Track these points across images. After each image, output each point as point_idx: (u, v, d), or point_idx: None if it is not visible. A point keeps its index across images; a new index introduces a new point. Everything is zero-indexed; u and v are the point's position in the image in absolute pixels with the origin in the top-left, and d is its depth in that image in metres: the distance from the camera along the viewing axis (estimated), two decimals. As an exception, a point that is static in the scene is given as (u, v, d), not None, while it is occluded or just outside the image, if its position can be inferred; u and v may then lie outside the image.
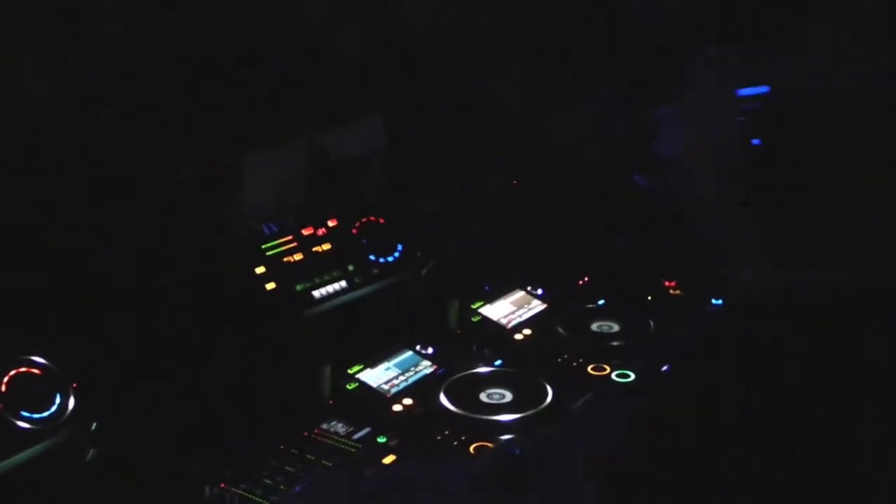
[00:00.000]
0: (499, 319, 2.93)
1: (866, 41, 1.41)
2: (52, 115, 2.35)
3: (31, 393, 2.09)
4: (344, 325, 2.68)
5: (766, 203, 1.46)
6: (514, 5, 3.27)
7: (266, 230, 2.67)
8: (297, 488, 2.15)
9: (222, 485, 2.19)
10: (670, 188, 2.77)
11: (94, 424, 2.16)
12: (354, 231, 2.81)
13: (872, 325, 1.36)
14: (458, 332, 2.88)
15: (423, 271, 2.86)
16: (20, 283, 2.24)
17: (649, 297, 3.02)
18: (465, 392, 2.52)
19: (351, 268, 2.74)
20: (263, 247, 2.63)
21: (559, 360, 2.69)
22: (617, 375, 2.59)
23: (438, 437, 2.36)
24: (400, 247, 2.84)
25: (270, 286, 2.58)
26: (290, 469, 2.25)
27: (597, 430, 2.27)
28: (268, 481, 2.20)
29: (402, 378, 2.62)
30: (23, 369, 2.11)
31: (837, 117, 1.39)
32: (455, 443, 2.34)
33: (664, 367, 2.53)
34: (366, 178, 2.99)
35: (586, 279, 3.18)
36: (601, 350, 2.73)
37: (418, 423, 2.44)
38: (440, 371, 2.66)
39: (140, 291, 2.41)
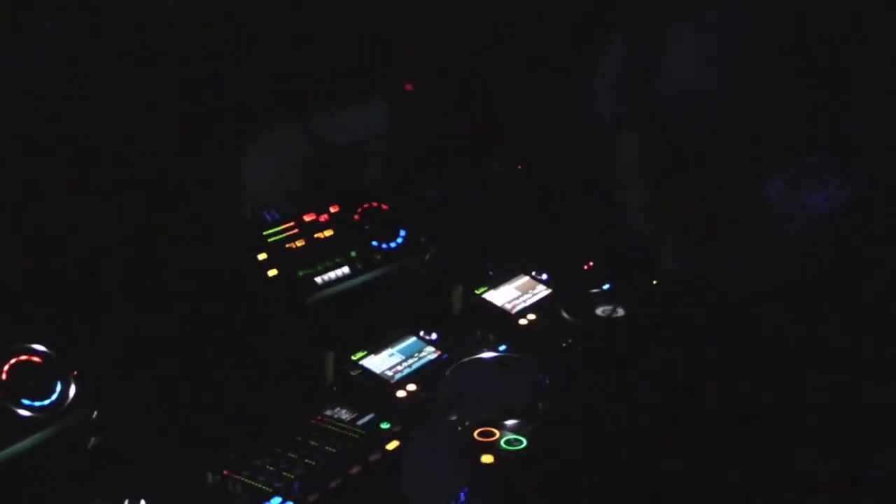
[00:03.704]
0: (503, 304, 2.91)
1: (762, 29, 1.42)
2: (51, 101, 2.34)
3: (31, 381, 2.09)
4: (347, 312, 2.67)
5: (671, 190, 1.47)
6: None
7: (267, 216, 2.66)
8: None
9: (224, 472, 2.18)
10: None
11: (95, 412, 2.15)
12: (357, 217, 2.79)
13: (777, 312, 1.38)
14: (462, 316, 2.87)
15: (426, 257, 2.85)
16: (20, 272, 2.23)
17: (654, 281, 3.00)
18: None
19: (353, 254, 2.72)
20: (265, 233, 2.62)
21: (563, 345, 2.67)
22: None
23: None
24: (403, 232, 2.83)
25: (272, 273, 2.57)
26: (292, 456, 2.24)
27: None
28: (270, 468, 2.19)
29: (405, 364, 2.61)
30: (23, 357, 2.10)
31: (731, 105, 1.40)
32: (459, 428, 2.33)
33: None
34: (368, 163, 2.98)
35: (591, 263, 3.16)
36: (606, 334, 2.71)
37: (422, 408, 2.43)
38: (444, 356, 2.65)
39: (141, 279, 2.40)
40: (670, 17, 1.44)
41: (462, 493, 1.92)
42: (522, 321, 2.86)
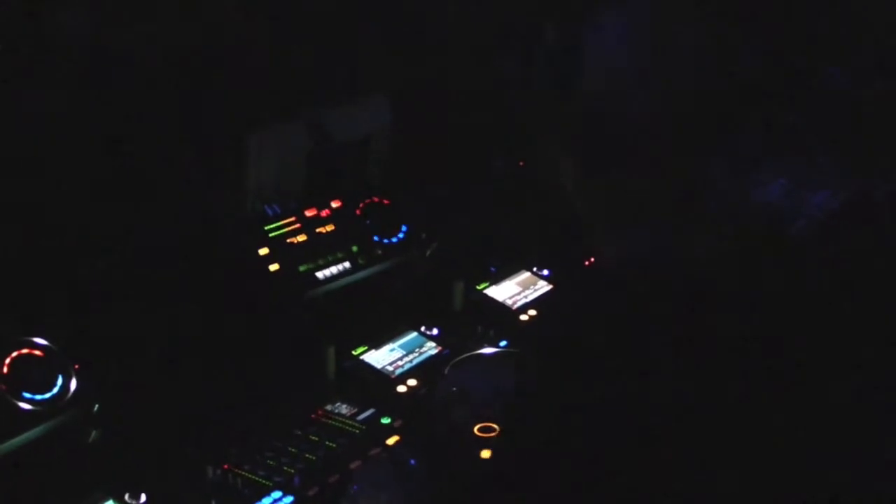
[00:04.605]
0: (504, 300, 2.92)
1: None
2: (51, 94, 2.34)
3: (33, 374, 2.09)
4: (348, 307, 2.67)
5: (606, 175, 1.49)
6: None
7: (269, 211, 2.66)
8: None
9: (225, 466, 2.18)
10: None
11: (97, 406, 2.15)
12: (358, 212, 2.80)
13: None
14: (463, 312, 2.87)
15: (428, 252, 2.85)
16: (22, 265, 2.24)
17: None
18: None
19: (355, 249, 2.73)
20: (266, 228, 2.62)
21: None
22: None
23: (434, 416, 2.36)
24: (405, 228, 2.83)
25: (274, 267, 2.57)
26: (293, 450, 2.24)
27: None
28: (271, 462, 2.20)
29: (406, 359, 2.61)
30: (25, 351, 2.10)
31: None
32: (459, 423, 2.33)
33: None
34: (370, 158, 2.98)
35: (592, 260, 3.16)
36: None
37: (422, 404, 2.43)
38: (445, 352, 2.65)
39: (143, 273, 2.40)
40: (599, 8, 1.45)
41: None
42: (523, 317, 2.86)
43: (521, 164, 3.32)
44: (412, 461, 1.99)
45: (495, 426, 2.29)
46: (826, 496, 1.37)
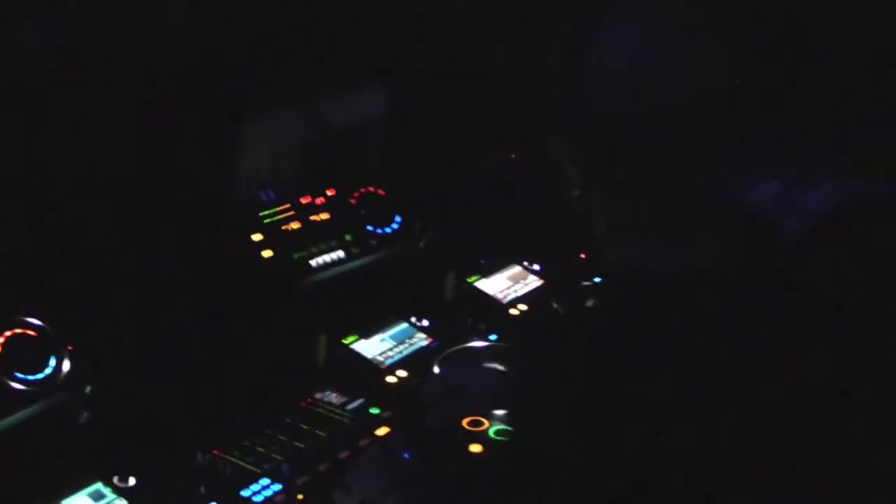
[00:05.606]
0: (494, 294, 2.93)
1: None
2: (54, 78, 2.33)
3: (26, 354, 2.09)
4: (340, 295, 2.67)
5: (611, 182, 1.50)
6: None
7: (264, 197, 2.66)
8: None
9: (214, 451, 2.19)
10: None
11: (89, 388, 2.16)
12: (353, 201, 2.80)
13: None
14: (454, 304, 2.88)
15: (421, 243, 2.85)
16: (17, 245, 2.24)
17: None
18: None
19: (348, 238, 2.73)
20: (261, 214, 2.62)
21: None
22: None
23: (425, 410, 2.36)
24: (398, 218, 2.83)
25: (267, 254, 2.57)
26: (282, 438, 2.25)
27: None
28: (260, 449, 2.21)
29: (396, 350, 2.62)
30: (18, 331, 2.10)
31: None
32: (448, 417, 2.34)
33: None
34: (365, 147, 2.98)
35: (583, 255, 3.17)
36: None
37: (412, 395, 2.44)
38: (435, 344, 2.66)
39: (136, 257, 2.40)
40: (603, 11, 1.46)
41: None
42: (513, 311, 2.88)
43: (512, 155, 3.32)
44: (406, 454, 2.00)
45: (485, 420, 2.30)
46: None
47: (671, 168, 1.45)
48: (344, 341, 2.60)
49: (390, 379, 2.52)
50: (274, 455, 2.20)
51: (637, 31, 1.44)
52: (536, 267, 3.07)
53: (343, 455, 2.21)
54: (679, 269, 1.45)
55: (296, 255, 2.61)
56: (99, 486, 2.06)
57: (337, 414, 2.37)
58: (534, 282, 3.02)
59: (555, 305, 2.87)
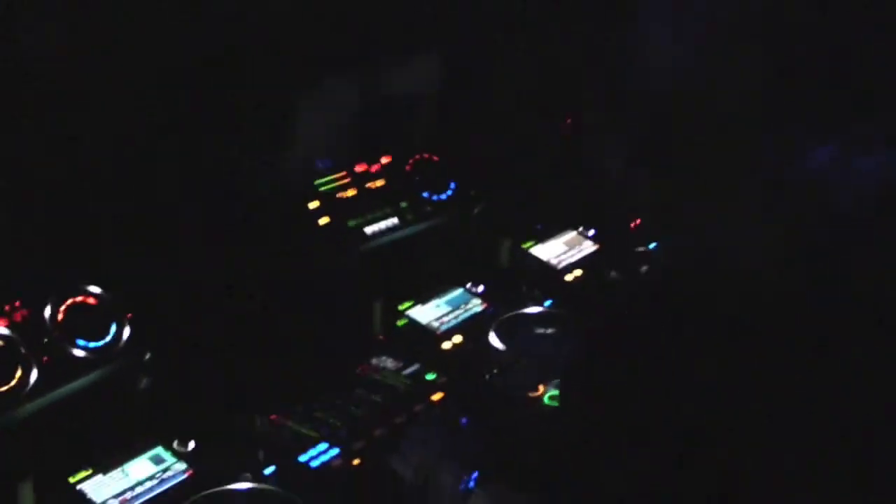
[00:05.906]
0: (549, 259, 2.92)
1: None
2: (111, 56, 2.35)
3: (87, 322, 2.12)
4: (395, 262, 2.69)
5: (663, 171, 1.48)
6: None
7: (320, 164, 2.67)
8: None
9: (273, 417, 2.21)
10: None
11: (148, 354, 2.19)
12: (408, 168, 2.80)
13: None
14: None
15: (476, 210, 2.85)
16: (78, 215, 2.26)
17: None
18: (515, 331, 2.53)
19: (404, 205, 2.74)
20: (316, 182, 2.63)
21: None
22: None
23: (487, 376, 2.37)
24: (453, 185, 2.83)
25: (323, 221, 2.59)
26: (339, 403, 2.27)
27: None
28: (318, 415, 2.23)
29: (451, 315, 2.63)
30: (79, 299, 2.14)
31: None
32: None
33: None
34: (420, 115, 2.98)
35: (638, 221, 3.16)
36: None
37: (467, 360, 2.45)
38: (490, 310, 2.67)
39: (195, 225, 2.42)
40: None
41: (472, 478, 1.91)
42: (568, 277, 2.87)
43: (567, 121, 3.31)
44: (463, 420, 2.01)
45: (541, 386, 2.31)
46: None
47: (718, 148, 1.44)
48: (400, 307, 2.61)
49: (446, 345, 2.53)
50: (331, 420, 2.22)
51: (677, 19, 1.43)
52: (592, 232, 3.06)
53: (399, 420, 2.23)
54: (735, 255, 1.44)
55: (351, 223, 2.63)
56: (159, 450, 2.10)
57: (393, 380, 2.38)
58: (589, 247, 3.01)
59: (613, 274, 2.85)
